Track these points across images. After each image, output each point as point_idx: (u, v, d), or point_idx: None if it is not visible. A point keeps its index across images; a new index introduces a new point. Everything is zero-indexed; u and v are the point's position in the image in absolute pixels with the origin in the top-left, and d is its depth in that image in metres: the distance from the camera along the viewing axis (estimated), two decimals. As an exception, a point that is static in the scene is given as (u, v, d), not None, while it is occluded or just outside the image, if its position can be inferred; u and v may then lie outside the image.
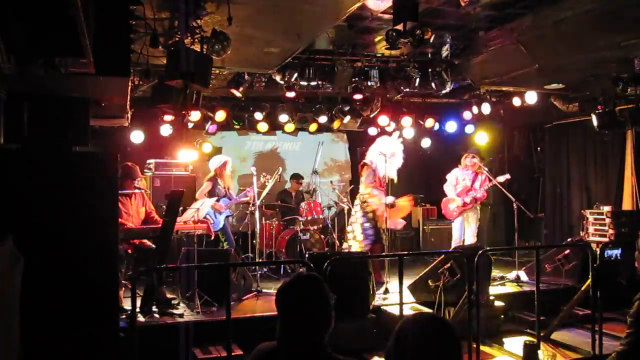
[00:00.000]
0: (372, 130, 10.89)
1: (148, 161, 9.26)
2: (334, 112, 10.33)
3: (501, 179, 8.80)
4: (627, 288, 5.56)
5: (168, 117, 9.16)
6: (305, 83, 7.94)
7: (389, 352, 1.84)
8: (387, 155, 7.97)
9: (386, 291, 7.27)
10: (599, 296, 5.47)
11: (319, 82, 8.04)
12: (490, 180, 8.77)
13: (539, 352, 5.29)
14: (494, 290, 7.38)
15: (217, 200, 8.27)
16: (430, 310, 6.05)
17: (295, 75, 7.76)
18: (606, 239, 8.24)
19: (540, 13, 6.18)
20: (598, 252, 5.95)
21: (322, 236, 9.41)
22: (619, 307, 6.06)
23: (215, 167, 8.58)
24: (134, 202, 6.99)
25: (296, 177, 10.42)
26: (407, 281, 6.58)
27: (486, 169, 8.96)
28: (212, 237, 7.88)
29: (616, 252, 7.25)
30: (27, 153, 3.89)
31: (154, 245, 6.64)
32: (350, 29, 6.95)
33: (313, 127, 10.74)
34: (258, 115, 10.17)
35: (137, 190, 6.96)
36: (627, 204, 9.14)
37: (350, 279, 6.11)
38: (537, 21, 6.31)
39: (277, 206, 10.05)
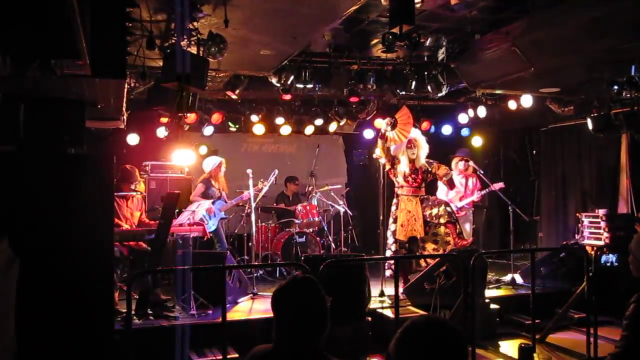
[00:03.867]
0: (368, 133, 10.89)
1: (144, 163, 9.24)
2: (330, 115, 10.34)
3: (496, 186, 8.83)
4: (622, 291, 5.58)
5: (164, 119, 9.15)
6: (301, 85, 7.93)
7: (391, 354, 1.82)
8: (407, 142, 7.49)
9: (382, 294, 7.27)
10: (594, 299, 5.48)
11: (315, 85, 8.03)
12: (482, 186, 8.87)
13: (535, 355, 5.31)
14: (489, 293, 7.40)
15: (212, 203, 8.23)
16: (435, 314, 6.05)
17: (292, 77, 7.76)
18: (601, 242, 8.25)
19: (536, 17, 6.20)
20: (593, 258, 5.97)
21: (318, 239, 9.41)
22: (614, 311, 6.07)
23: (210, 169, 8.51)
24: (130, 205, 7.00)
25: (291, 180, 10.41)
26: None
27: (482, 171, 9.00)
28: (205, 239, 7.85)
29: (612, 258, 7.26)
30: (22, 155, 3.88)
31: (149, 248, 6.63)
32: (347, 31, 6.96)
33: (309, 129, 10.74)
34: (254, 118, 10.17)
35: (133, 193, 6.96)
36: (622, 208, 9.16)
37: (346, 281, 6.10)
38: (532, 25, 6.33)
39: (273, 209, 10.05)
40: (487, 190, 8.92)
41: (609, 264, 7.66)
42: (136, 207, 7.08)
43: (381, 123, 7.58)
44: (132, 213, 7.00)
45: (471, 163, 9.08)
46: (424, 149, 7.57)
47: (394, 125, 7.38)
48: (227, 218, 8.99)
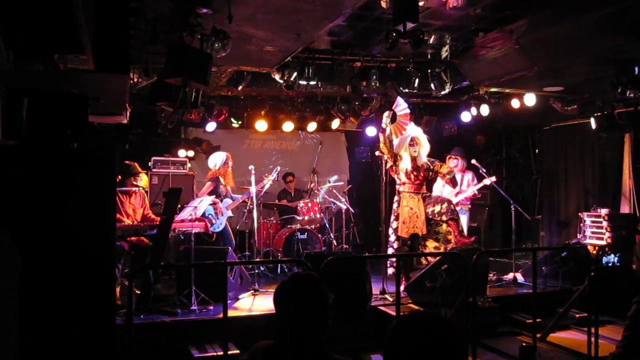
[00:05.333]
0: (370, 130, 10.88)
1: (153, 159, 9.19)
2: (332, 112, 10.33)
3: (487, 181, 8.85)
4: (623, 291, 5.58)
5: (167, 115, 9.13)
6: (304, 82, 7.92)
7: (385, 350, 1.81)
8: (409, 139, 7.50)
9: (383, 291, 7.27)
10: (595, 299, 5.48)
11: (319, 82, 8.02)
12: (478, 180, 8.91)
13: (536, 353, 5.30)
14: (490, 291, 7.39)
15: (221, 201, 8.14)
16: (427, 309, 6.05)
17: (295, 74, 7.75)
18: (603, 242, 8.25)
19: (540, 15, 6.19)
20: (595, 257, 5.95)
21: (320, 236, 9.42)
22: (616, 310, 6.09)
23: (219, 167, 8.28)
24: (132, 201, 7.01)
25: (288, 176, 10.43)
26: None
27: (483, 169, 9.00)
28: (214, 238, 7.81)
29: (614, 259, 7.25)
30: (25, 149, 3.88)
31: (151, 243, 6.64)
32: (350, 28, 6.95)
33: (312, 126, 10.74)
34: (257, 114, 10.17)
35: (135, 189, 6.97)
36: (624, 207, 9.15)
37: (348, 279, 6.11)
38: (536, 23, 6.32)
39: (275, 205, 10.05)
40: (480, 184, 8.98)
41: (610, 264, 7.65)
42: (139, 204, 7.08)
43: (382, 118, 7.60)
44: (135, 209, 7.01)
45: (474, 161, 9.09)
46: (425, 147, 7.58)
47: (393, 119, 7.39)
48: (232, 216, 8.93)
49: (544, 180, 11.19)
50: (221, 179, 8.27)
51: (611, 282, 5.86)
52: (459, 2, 5.68)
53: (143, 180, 7.22)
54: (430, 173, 7.62)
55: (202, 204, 7.27)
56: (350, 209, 10.08)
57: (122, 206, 6.87)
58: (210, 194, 8.10)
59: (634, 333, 3.00)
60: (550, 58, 6.83)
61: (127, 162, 7.11)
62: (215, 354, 5.51)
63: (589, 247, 8.08)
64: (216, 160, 8.41)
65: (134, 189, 6.99)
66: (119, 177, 6.94)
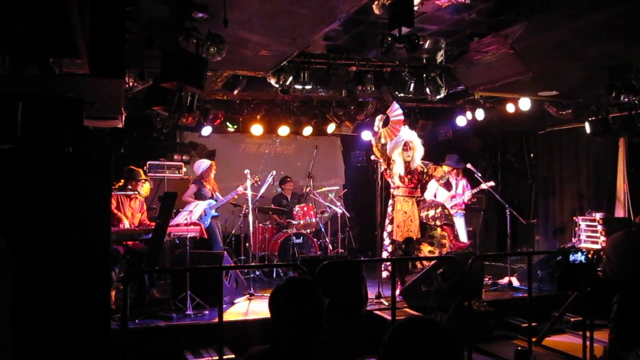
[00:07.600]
0: (366, 135, 10.88)
1: (148, 163, 9.20)
2: (328, 116, 10.33)
3: (484, 186, 8.88)
4: (588, 288, 5.60)
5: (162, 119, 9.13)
6: (300, 86, 7.92)
7: (381, 358, 1.82)
8: (403, 144, 7.51)
9: (379, 296, 7.26)
10: (591, 302, 5.49)
11: (314, 86, 8.03)
12: (472, 187, 8.94)
13: (531, 357, 5.31)
14: (486, 295, 7.40)
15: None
16: (421, 315, 6.05)
17: (291, 78, 7.75)
18: (598, 246, 8.27)
19: (535, 20, 6.21)
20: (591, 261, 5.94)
21: (315, 240, 9.41)
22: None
23: (202, 171, 8.50)
24: (132, 205, 7.04)
25: (284, 181, 10.43)
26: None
27: (479, 174, 9.02)
28: (198, 237, 7.81)
29: (580, 257, 7.24)
30: (20, 153, 3.87)
31: (146, 247, 6.63)
32: (346, 33, 6.97)
33: (307, 130, 10.74)
34: (252, 118, 10.17)
35: (135, 193, 6.99)
36: (619, 211, 9.18)
37: (343, 283, 6.10)
38: (531, 28, 6.34)
39: (271, 209, 10.05)
40: (477, 188, 9.01)
41: (577, 262, 7.65)
42: (138, 209, 7.12)
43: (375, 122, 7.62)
44: (134, 213, 7.04)
45: (469, 165, 9.11)
46: (419, 151, 7.60)
47: (385, 123, 7.40)
48: (218, 216, 8.90)
49: (539, 185, 11.21)
50: (204, 182, 8.46)
51: (577, 281, 5.80)
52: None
53: (145, 187, 7.23)
54: (425, 176, 7.64)
55: (197, 208, 7.27)
56: (346, 213, 10.08)
57: (122, 207, 6.92)
58: (195, 196, 8.20)
59: (619, 335, 3.01)
60: (545, 63, 6.86)
61: (132, 167, 7.16)
62: (210, 358, 5.50)
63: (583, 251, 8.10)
64: (200, 164, 8.62)
65: (131, 193, 7.00)
66: (122, 180, 7.01)
